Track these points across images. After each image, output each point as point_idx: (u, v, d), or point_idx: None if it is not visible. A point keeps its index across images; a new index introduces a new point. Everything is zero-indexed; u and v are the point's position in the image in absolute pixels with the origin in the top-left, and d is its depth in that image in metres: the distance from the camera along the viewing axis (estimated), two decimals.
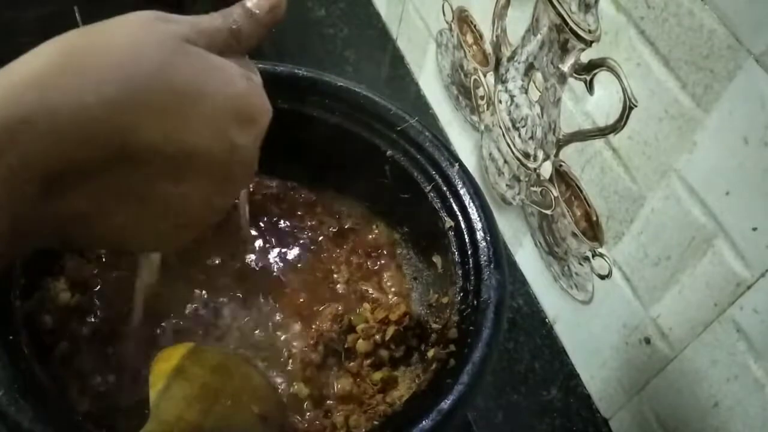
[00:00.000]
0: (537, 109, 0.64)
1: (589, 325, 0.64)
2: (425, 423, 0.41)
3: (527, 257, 0.71)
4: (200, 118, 0.33)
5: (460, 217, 0.51)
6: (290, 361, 0.53)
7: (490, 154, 0.73)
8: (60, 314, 0.50)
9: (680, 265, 0.52)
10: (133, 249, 0.44)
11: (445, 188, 0.53)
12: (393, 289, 0.58)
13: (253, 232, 0.59)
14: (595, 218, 0.60)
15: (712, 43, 0.46)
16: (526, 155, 0.67)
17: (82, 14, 0.87)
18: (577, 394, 0.66)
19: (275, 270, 0.57)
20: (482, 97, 0.73)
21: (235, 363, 0.50)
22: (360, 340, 0.52)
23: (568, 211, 0.63)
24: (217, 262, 0.57)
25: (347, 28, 0.98)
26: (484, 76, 0.72)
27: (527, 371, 0.69)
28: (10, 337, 0.43)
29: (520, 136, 0.67)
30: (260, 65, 0.55)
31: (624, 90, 0.53)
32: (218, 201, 0.37)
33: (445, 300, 0.52)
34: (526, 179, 0.68)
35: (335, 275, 0.58)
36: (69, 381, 0.47)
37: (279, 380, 0.52)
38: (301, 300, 0.56)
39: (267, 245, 0.58)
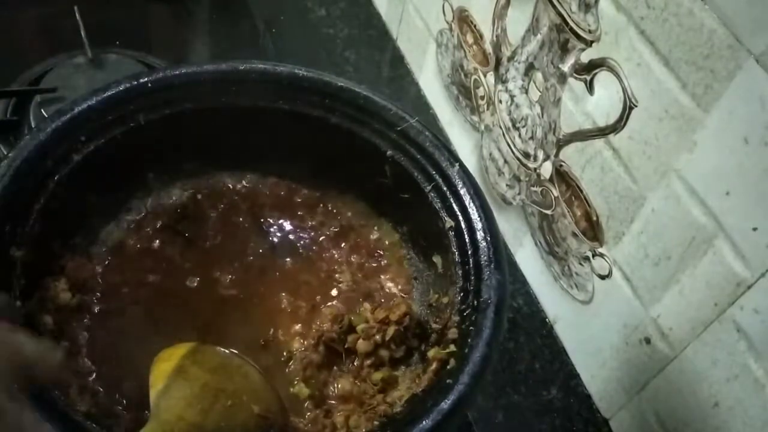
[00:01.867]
0: (537, 109, 0.64)
1: (589, 325, 0.64)
2: (425, 423, 0.41)
3: (527, 257, 0.71)
4: None
5: (461, 217, 0.51)
6: (290, 361, 0.53)
7: (491, 154, 0.73)
8: (60, 314, 0.50)
9: (680, 265, 0.52)
10: None
11: (445, 188, 0.53)
12: (393, 289, 0.58)
13: (255, 232, 0.59)
14: (595, 218, 0.60)
15: (712, 43, 0.46)
16: (527, 155, 0.67)
17: (82, 14, 0.87)
18: (577, 394, 0.66)
19: (275, 270, 0.57)
20: (482, 97, 0.73)
21: (235, 363, 0.50)
22: (360, 341, 0.52)
23: (568, 211, 0.63)
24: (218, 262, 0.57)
25: (347, 28, 0.98)
26: (485, 76, 0.72)
27: (527, 371, 0.69)
28: None
29: (520, 136, 0.67)
30: (261, 65, 0.56)
31: (624, 90, 0.53)
32: None
33: (445, 300, 0.52)
34: (527, 179, 0.68)
35: (336, 275, 0.58)
36: (69, 381, 0.47)
37: (279, 380, 0.52)
38: (302, 300, 0.56)
39: (267, 245, 0.58)
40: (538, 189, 0.66)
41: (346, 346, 0.53)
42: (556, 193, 0.64)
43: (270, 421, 0.47)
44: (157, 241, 0.57)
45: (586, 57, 0.56)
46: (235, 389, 0.46)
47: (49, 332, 0.48)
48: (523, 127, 0.66)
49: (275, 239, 0.59)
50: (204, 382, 0.45)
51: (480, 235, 0.50)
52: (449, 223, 0.52)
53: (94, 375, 0.49)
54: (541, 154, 0.65)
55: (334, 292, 0.57)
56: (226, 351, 0.51)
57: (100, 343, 0.50)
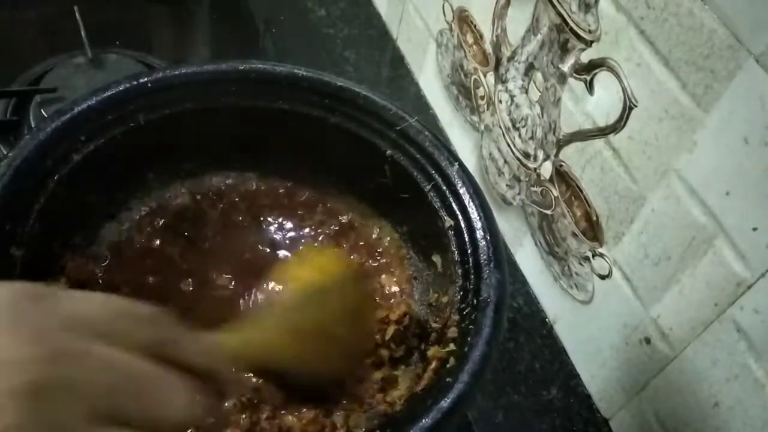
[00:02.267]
0: (537, 109, 0.64)
1: (589, 325, 0.64)
2: (425, 422, 0.41)
3: (527, 257, 0.71)
4: None
5: (460, 217, 0.51)
6: None
7: (491, 154, 0.73)
8: None
9: (680, 265, 0.52)
10: None
11: (444, 187, 0.53)
12: (393, 289, 0.58)
13: (255, 232, 0.59)
14: (595, 218, 0.60)
15: (712, 43, 0.46)
16: (527, 155, 0.67)
17: (82, 14, 0.87)
18: (577, 394, 0.66)
19: (270, 269, 0.57)
20: (482, 97, 0.73)
21: (364, 313, 0.47)
22: None
23: (568, 211, 0.63)
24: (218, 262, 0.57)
25: (347, 28, 0.98)
26: (484, 76, 0.72)
27: (527, 371, 0.69)
28: None
29: (520, 136, 0.67)
30: (260, 65, 0.56)
31: (624, 90, 0.53)
32: None
33: (445, 299, 0.51)
34: (527, 179, 0.68)
35: None
36: None
37: None
38: None
39: (267, 245, 0.58)
40: (538, 189, 0.66)
41: None
42: (556, 193, 0.64)
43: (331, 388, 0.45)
44: (157, 241, 0.57)
45: (586, 57, 0.56)
46: (325, 347, 0.43)
47: None
48: (523, 127, 0.66)
49: (275, 239, 0.59)
50: (316, 328, 0.41)
51: (479, 234, 0.50)
52: (449, 222, 0.52)
53: None
54: (541, 154, 0.65)
55: None
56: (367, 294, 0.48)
57: None
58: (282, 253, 0.58)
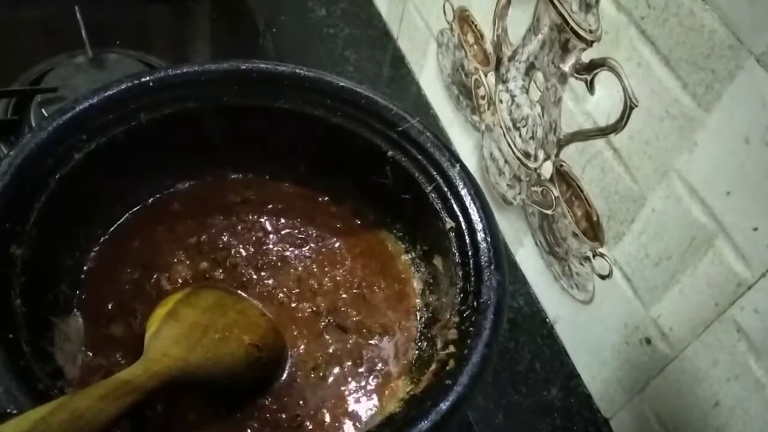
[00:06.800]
0: (538, 108, 0.64)
1: (590, 325, 0.64)
2: (423, 424, 0.41)
3: (528, 257, 0.71)
4: None
5: (461, 218, 0.51)
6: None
7: (491, 154, 0.73)
8: None
9: (681, 265, 0.52)
10: None
11: (446, 189, 0.52)
12: (395, 290, 0.57)
13: (255, 232, 0.59)
14: (595, 218, 0.60)
15: (713, 43, 0.46)
16: (527, 155, 0.67)
17: (82, 14, 0.87)
18: (577, 394, 0.66)
19: (275, 270, 0.57)
20: (483, 97, 0.73)
21: (231, 300, 0.52)
22: None
23: (568, 211, 0.63)
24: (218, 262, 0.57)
25: (348, 28, 0.98)
26: (485, 75, 0.72)
27: (528, 371, 0.69)
28: (10, 336, 0.43)
29: (520, 135, 0.67)
30: (262, 65, 0.56)
31: (625, 90, 0.53)
32: None
33: (445, 301, 0.51)
34: (527, 179, 0.68)
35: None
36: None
37: None
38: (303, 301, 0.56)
39: (267, 246, 0.58)
40: (539, 189, 0.66)
41: None
42: (556, 193, 0.64)
43: (262, 349, 0.48)
44: (159, 240, 0.57)
45: (586, 57, 0.56)
46: (226, 323, 0.48)
47: None
48: (524, 126, 0.66)
49: (275, 239, 0.59)
50: (193, 321, 0.46)
51: (480, 236, 0.50)
52: (450, 224, 0.52)
53: (94, 373, 0.49)
54: (541, 154, 0.65)
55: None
56: (223, 290, 0.53)
57: (98, 341, 0.50)
58: (282, 253, 0.58)
